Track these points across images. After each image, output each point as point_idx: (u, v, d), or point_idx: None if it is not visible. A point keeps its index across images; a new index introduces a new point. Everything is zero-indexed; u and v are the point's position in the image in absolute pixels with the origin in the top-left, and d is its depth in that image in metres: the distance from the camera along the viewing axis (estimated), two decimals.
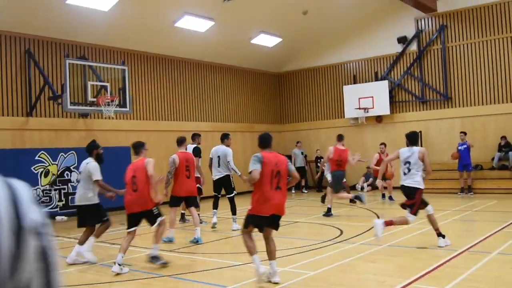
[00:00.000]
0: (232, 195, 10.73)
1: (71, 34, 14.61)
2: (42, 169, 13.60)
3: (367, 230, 9.69)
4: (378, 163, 14.50)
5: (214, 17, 16.15)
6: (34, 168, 13.43)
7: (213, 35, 17.15)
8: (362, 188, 17.74)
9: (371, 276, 6.24)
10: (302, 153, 19.93)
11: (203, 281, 6.32)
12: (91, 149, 8.08)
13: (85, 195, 7.83)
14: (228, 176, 10.71)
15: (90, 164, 7.86)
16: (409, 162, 7.92)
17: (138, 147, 7.65)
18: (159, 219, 7.44)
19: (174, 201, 9.49)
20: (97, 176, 7.80)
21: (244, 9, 16.44)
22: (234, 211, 10.64)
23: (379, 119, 19.41)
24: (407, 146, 8.20)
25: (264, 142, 6.12)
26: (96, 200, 7.91)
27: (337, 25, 19.32)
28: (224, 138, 10.84)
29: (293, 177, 6.17)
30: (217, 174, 10.71)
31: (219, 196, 10.91)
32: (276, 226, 6.09)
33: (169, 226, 9.32)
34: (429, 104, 18.46)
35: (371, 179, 16.95)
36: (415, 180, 7.86)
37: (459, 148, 15.74)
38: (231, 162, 10.56)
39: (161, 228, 7.52)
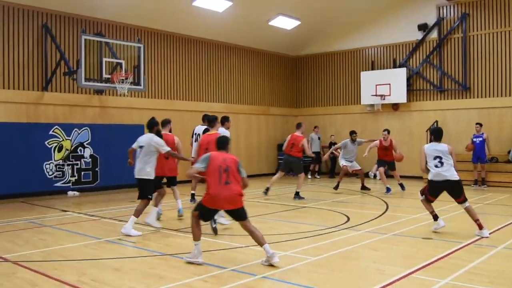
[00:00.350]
0: None
1: (88, 10, 14.64)
2: (55, 144, 13.76)
3: (374, 218, 9.66)
4: (378, 150, 14.50)
5: None
6: (47, 143, 13.60)
7: (231, 16, 17.03)
8: (374, 176, 17.60)
9: (372, 264, 6.21)
10: (319, 138, 19.85)
11: (204, 262, 6.35)
12: (152, 125, 8.50)
13: (144, 170, 8.21)
14: None
15: (155, 139, 8.24)
16: (439, 157, 7.92)
17: (213, 121, 8.60)
18: None
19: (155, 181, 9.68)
20: (166, 147, 8.28)
21: None
22: None
23: (395, 106, 19.19)
24: (431, 141, 8.23)
25: (221, 144, 6.52)
26: (152, 176, 8.30)
27: (356, 9, 19.00)
28: (224, 120, 10.67)
29: (243, 182, 6.30)
30: None
31: None
32: (241, 218, 6.24)
33: (154, 204, 9.35)
34: (447, 94, 18.18)
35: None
36: (455, 172, 7.91)
37: (474, 140, 15.50)
38: None
39: None
